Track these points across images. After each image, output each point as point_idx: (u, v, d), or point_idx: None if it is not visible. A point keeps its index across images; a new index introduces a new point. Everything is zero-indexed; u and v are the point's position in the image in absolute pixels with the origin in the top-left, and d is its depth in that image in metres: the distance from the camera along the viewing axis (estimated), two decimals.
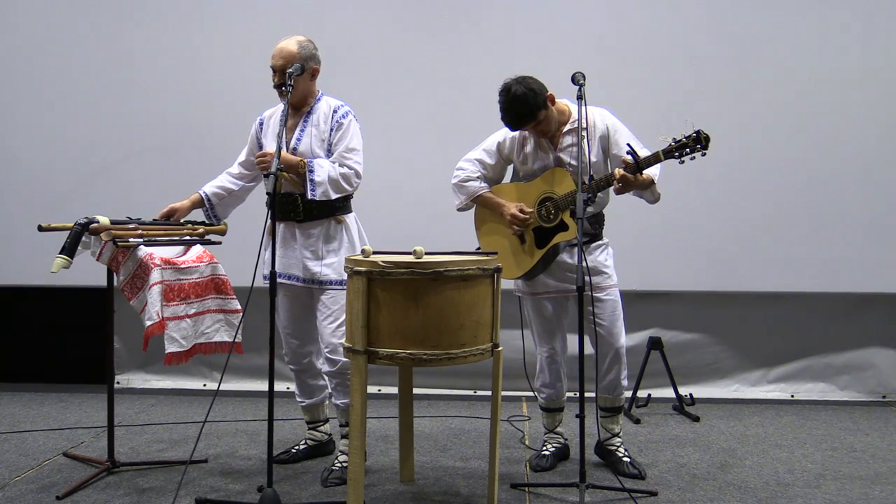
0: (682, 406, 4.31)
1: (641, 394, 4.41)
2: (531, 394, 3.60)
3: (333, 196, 3.16)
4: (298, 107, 3.27)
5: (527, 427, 4.06)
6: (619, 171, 3.05)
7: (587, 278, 2.86)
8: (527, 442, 3.80)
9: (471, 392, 4.67)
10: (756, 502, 3.03)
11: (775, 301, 4.57)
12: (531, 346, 3.49)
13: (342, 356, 3.16)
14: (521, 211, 3.27)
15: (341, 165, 3.17)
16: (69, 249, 3.01)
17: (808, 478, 3.30)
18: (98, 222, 3.10)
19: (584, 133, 3.11)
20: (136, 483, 3.21)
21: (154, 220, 3.31)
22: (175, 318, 3.10)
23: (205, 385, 4.80)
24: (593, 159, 3.19)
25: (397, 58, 4.55)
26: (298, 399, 3.52)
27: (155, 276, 3.05)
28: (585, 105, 3.08)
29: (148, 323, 3.03)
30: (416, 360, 2.66)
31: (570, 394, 3.53)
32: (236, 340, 3.21)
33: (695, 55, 4.44)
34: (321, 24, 4.40)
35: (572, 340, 3.31)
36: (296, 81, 3.10)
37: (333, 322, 3.21)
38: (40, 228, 3.11)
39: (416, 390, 3.35)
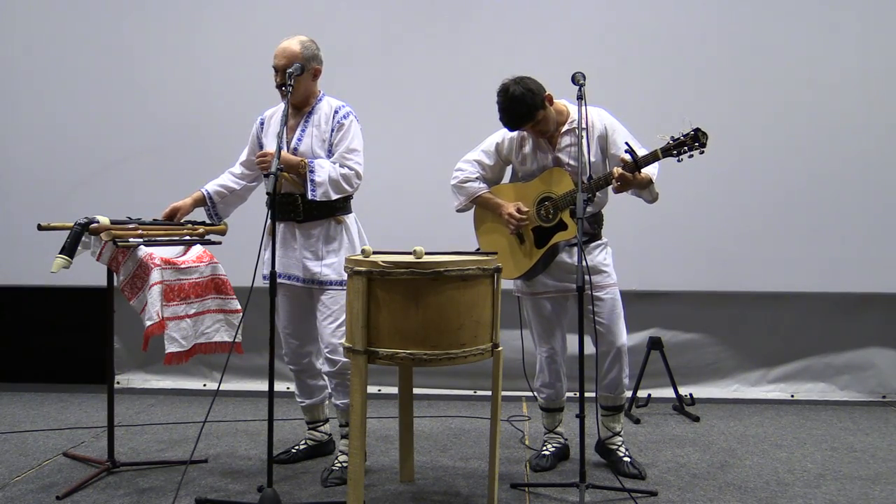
0: (682, 406, 4.31)
1: (641, 394, 4.41)
2: (531, 394, 3.60)
3: (334, 196, 3.16)
4: (300, 107, 3.27)
5: (527, 427, 4.06)
6: (617, 170, 3.05)
7: (587, 278, 2.86)
8: (527, 442, 3.80)
9: (471, 392, 4.67)
10: (756, 502, 3.03)
11: (775, 301, 4.57)
12: (531, 346, 3.49)
13: (342, 356, 3.16)
14: (519, 210, 3.27)
15: (342, 166, 3.17)
16: (69, 249, 3.01)
17: (808, 478, 3.30)
18: (98, 222, 3.10)
19: (583, 133, 3.10)
20: (136, 483, 3.21)
21: (154, 220, 3.30)
22: (175, 318, 3.10)
23: (205, 385, 4.80)
24: (592, 159, 3.19)
25: (397, 58, 4.55)
26: (298, 399, 3.52)
27: (155, 276, 3.05)
28: (585, 105, 3.08)
29: (148, 323, 3.03)
30: (416, 360, 2.66)
31: (570, 394, 3.53)
32: (236, 340, 3.21)
33: (695, 55, 4.44)
34: (321, 24, 4.40)
35: (572, 340, 3.31)
36: (297, 81, 3.11)
37: (333, 322, 3.21)
38: (40, 228, 3.11)
39: (416, 390, 3.35)
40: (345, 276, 3.15)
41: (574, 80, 3.11)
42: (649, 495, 3.07)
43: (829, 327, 4.58)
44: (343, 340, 3.10)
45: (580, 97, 3.07)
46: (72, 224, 3.07)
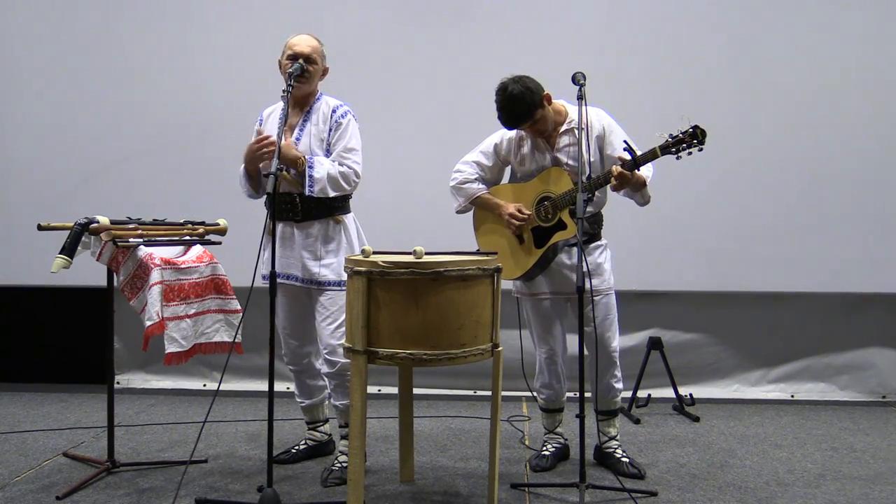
0: (682, 406, 4.31)
1: (641, 394, 4.41)
2: (531, 394, 3.60)
3: (331, 194, 3.15)
4: (300, 105, 3.27)
5: (527, 427, 4.06)
6: (616, 168, 3.04)
7: (587, 280, 2.86)
8: (527, 442, 3.80)
9: (471, 392, 4.67)
10: (756, 502, 3.02)
11: (775, 301, 4.57)
12: (530, 346, 3.49)
13: (340, 357, 3.16)
14: (520, 210, 3.27)
15: (340, 164, 3.17)
16: (69, 249, 3.01)
17: (808, 478, 3.30)
18: (98, 222, 3.09)
19: (582, 132, 3.10)
20: (136, 483, 3.21)
21: (154, 220, 3.30)
22: (175, 318, 3.10)
23: (205, 385, 4.80)
24: (591, 159, 3.19)
25: (396, 58, 4.55)
26: (298, 399, 3.52)
27: (155, 276, 3.05)
28: (585, 105, 3.08)
29: (148, 323, 3.03)
30: (416, 360, 2.66)
31: (570, 394, 3.53)
32: (236, 340, 3.21)
33: (694, 56, 4.44)
34: (320, 25, 4.37)
35: (571, 341, 3.32)
36: (312, 75, 3.17)
37: (332, 323, 3.21)
38: (40, 228, 3.11)
39: (416, 390, 3.35)
40: (343, 277, 3.16)
41: (574, 80, 3.11)
42: (649, 495, 3.07)
43: (829, 327, 4.58)
44: (342, 341, 3.10)
45: (580, 97, 3.07)
46: (72, 224, 3.07)
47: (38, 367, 4.86)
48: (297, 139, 3.22)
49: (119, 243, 3.07)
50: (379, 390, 4.63)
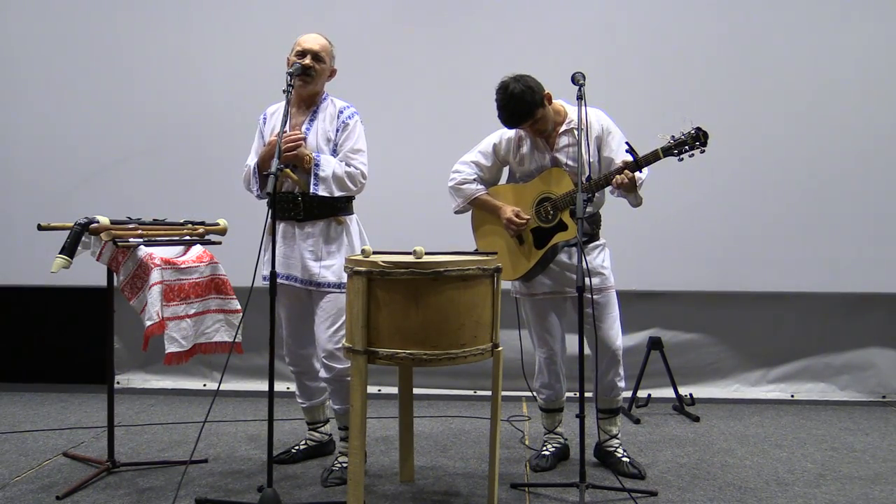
0: (682, 406, 4.31)
1: (641, 394, 4.41)
2: (531, 394, 3.60)
3: (336, 193, 3.15)
4: (306, 105, 3.26)
5: (527, 427, 4.06)
6: (619, 178, 3.04)
7: (587, 279, 2.86)
8: (527, 442, 3.80)
9: (471, 392, 4.67)
10: (756, 502, 3.03)
11: (775, 301, 4.57)
12: (530, 346, 3.49)
13: (338, 363, 3.16)
14: (518, 216, 3.26)
15: (347, 165, 3.17)
16: (69, 249, 3.01)
17: (808, 478, 3.30)
18: (98, 222, 3.09)
19: (582, 132, 3.10)
20: (136, 483, 3.21)
21: (154, 220, 3.30)
22: (175, 318, 3.10)
23: (205, 385, 4.80)
24: (591, 159, 3.20)
25: (396, 58, 4.55)
26: (299, 400, 3.52)
27: (155, 276, 3.05)
28: (585, 105, 3.08)
29: (148, 323, 3.03)
30: (416, 360, 2.66)
31: (570, 394, 3.53)
32: (236, 340, 3.21)
33: (694, 56, 4.44)
34: (320, 25, 4.36)
35: (571, 341, 3.32)
36: (318, 73, 3.17)
37: (331, 327, 3.19)
38: (40, 228, 3.11)
39: (416, 390, 3.35)
40: (343, 279, 3.15)
41: (574, 80, 3.10)
42: (649, 495, 3.07)
43: (829, 327, 4.58)
44: (340, 346, 3.11)
45: (580, 97, 3.07)
46: (72, 224, 3.07)
47: (38, 367, 4.86)
48: (305, 138, 3.20)
49: (119, 243, 3.07)
50: (379, 390, 4.63)
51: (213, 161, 4.52)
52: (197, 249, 3.29)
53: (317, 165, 3.11)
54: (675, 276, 4.47)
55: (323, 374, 3.26)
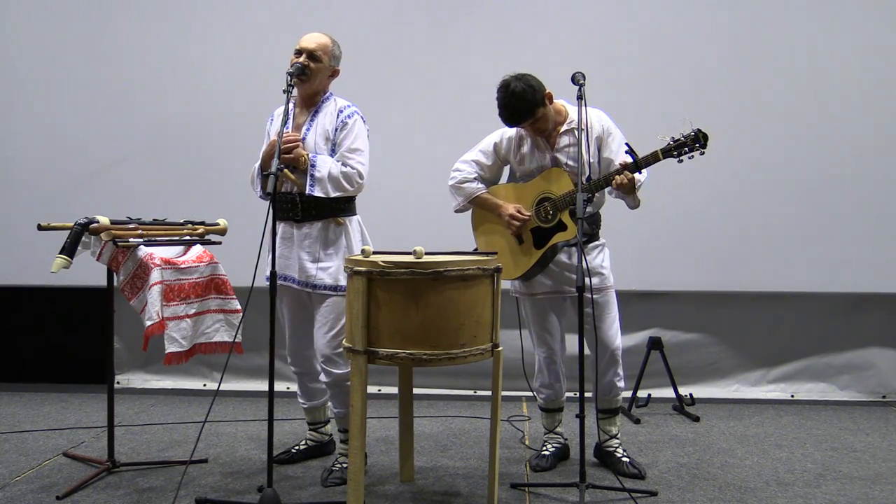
0: (682, 406, 4.31)
1: (641, 394, 4.41)
2: (531, 394, 3.60)
3: (333, 194, 3.13)
4: (307, 104, 3.26)
5: (527, 427, 4.06)
6: (618, 179, 3.04)
7: (586, 279, 2.86)
8: (527, 442, 3.80)
9: (471, 392, 4.67)
10: (756, 502, 3.03)
11: (775, 301, 4.57)
12: (530, 346, 3.49)
13: (337, 368, 3.16)
14: (520, 212, 3.26)
15: (344, 164, 3.16)
16: (69, 249, 3.01)
17: (808, 478, 3.30)
18: (98, 222, 3.09)
19: (582, 132, 3.10)
20: (136, 483, 3.21)
21: (154, 220, 3.30)
22: (175, 318, 3.10)
23: (205, 385, 4.80)
24: (591, 160, 3.20)
25: (397, 58, 4.55)
26: (300, 401, 3.51)
27: (155, 276, 3.05)
28: (585, 105, 3.08)
29: (148, 323, 3.03)
30: (416, 360, 2.66)
31: (570, 394, 3.53)
32: (236, 340, 3.20)
33: (695, 57, 4.44)
34: (319, 24, 4.37)
35: (571, 341, 3.32)
36: (315, 72, 3.14)
37: (329, 332, 3.17)
38: (40, 228, 3.11)
39: (416, 390, 3.35)
40: (341, 282, 3.15)
41: (574, 80, 3.10)
42: (649, 495, 3.07)
43: (829, 327, 4.58)
44: (338, 351, 3.10)
45: (580, 97, 3.07)
46: (72, 224, 3.07)
47: (38, 367, 4.86)
48: (304, 138, 3.20)
49: (119, 243, 3.06)
50: (379, 390, 4.63)
51: (213, 161, 4.52)
52: (197, 249, 3.28)
53: (313, 166, 3.10)
54: (675, 276, 4.47)
55: (323, 377, 3.26)
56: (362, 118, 3.25)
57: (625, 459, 3.32)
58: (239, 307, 3.28)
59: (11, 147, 4.74)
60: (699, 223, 4.45)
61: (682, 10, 4.46)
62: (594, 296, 3.18)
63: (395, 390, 3.63)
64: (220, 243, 3.43)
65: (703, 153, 2.99)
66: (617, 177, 3.05)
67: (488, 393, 3.32)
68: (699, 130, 2.97)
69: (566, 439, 3.53)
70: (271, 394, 2.84)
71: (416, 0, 4.58)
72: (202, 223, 3.41)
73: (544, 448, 3.48)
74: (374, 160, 3.27)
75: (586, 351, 3.04)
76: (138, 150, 4.66)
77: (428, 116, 4.52)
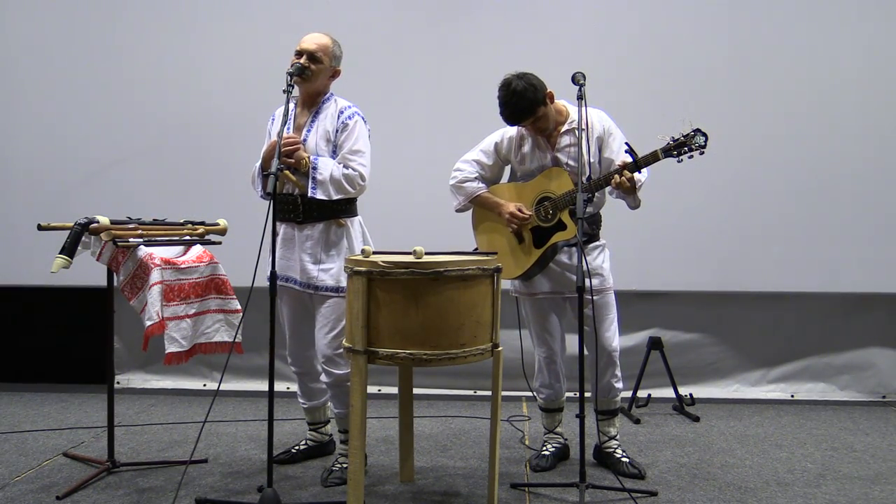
0: (682, 406, 4.31)
1: (641, 394, 4.41)
2: (531, 394, 3.60)
3: (335, 196, 3.13)
4: (309, 105, 3.26)
5: (527, 427, 4.06)
6: (617, 179, 3.04)
7: (586, 280, 2.86)
8: (527, 442, 3.80)
9: (471, 392, 4.67)
10: (756, 502, 3.03)
11: (775, 301, 4.57)
12: (530, 346, 3.49)
13: (337, 369, 3.16)
14: (521, 210, 3.26)
15: (345, 167, 3.15)
16: (69, 249, 3.01)
17: (808, 478, 3.30)
18: (98, 222, 3.09)
19: (583, 132, 3.10)
20: (136, 483, 3.21)
21: (154, 220, 3.30)
22: (175, 318, 3.10)
23: (205, 385, 4.80)
24: (591, 159, 3.20)
25: (397, 58, 4.55)
26: (300, 401, 3.51)
27: (155, 276, 3.05)
28: (586, 105, 3.08)
29: (148, 323, 3.03)
30: (416, 360, 2.66)
31: (570, 394, 3.53)
32: (236, 340, 3.20)
33: (695, 56, 4.44)
34: (319, 24, 4.37)
35: (571, 341, 3.32)
36: (315, 73, 3.13)
37: (330, 333, 3.17)
38: (40, 228, 3.11)
39: (416, 390, 3.35)
40: (342, 283, 3.15)
41: (574, 80, 3.11)
42: (649, 495, 3.07)
43: (829, 327, 4.58)
44: (339, 352, 3.10)
45: (580, 97, 3.07)
46: (72, 224, 3.07)
47: (38, 367, 4.86)
48: (304, 140, 3.19)
49: (119, 243, 3.06)
50: (379, 390, 4.63)
51: (213, 161, 4.52)
52: (197, 249, 3.28)
53: (314, 169, 3.09)
54: (675, 276, 4.47)
55: (323, 378, 3.26)
56: (363, 119, 3.24)
57: (624, 459, 3.32)
58: (239, 307, 3.28)
59: (11, 147, 4.74)
60: (699, 223, 4.45)
61: (681, 11, 4.46)
62: (594, 297, 3.19)
63: (395, 390, 3.63)
64: (220, 243, 3.43)
65: (702, 153, 2.99)
66: (617, 177, 3.05)
67: (488, 393, 3.32)
68: (699, 130, 2.97)
69: (566, 439, 3.53)
70: (271, 394, 2.84)
71: (415, 0, 4.58)
72: (202, 223, 3.41)
73: (544, 448, 3.48)
74: (374, 160, 3.27)
75: (586, 351, 3.04)
76: (138, 150, 4.66)
77: (428, 116, 4.52)
